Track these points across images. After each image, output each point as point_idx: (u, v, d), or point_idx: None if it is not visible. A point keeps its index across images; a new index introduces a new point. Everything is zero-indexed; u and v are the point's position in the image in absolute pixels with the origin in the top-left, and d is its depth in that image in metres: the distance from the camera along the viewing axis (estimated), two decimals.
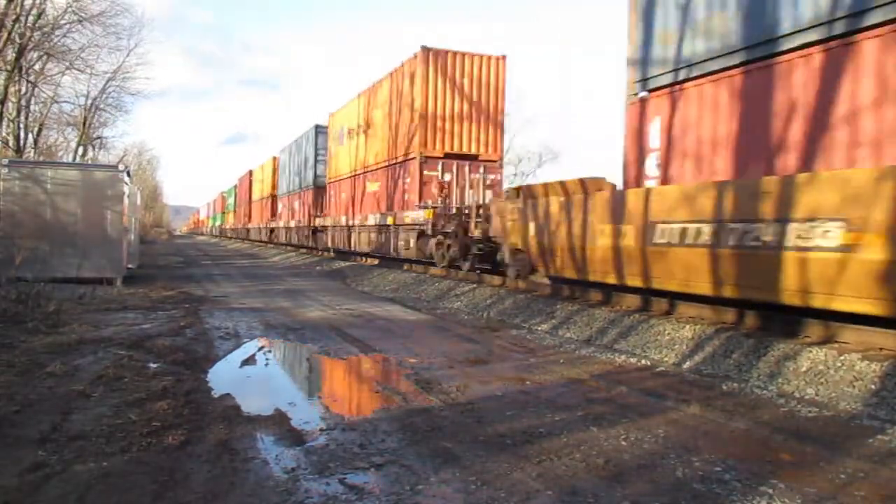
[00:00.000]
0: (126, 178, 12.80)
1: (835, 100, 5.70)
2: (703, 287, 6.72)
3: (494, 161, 16.04)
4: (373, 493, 3.04)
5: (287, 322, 8.44)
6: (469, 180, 15.62)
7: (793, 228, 5.60)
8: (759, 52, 6.48)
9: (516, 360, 6.22)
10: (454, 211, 13.85)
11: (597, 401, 4.76)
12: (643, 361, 6.23)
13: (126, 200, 12.84)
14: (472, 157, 15.74)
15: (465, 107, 15.53)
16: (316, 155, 25.58)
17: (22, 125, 24.53)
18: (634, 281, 7.81)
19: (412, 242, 15.19)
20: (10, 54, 19.60)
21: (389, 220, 16.55)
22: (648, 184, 7.84)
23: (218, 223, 67.59)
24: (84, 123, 29.59)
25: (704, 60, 7.12)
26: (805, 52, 5.98)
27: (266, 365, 6.04)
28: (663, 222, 7.09)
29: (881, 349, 5.33)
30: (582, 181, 8.99)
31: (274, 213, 34.54)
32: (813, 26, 5.87)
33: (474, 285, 11.78)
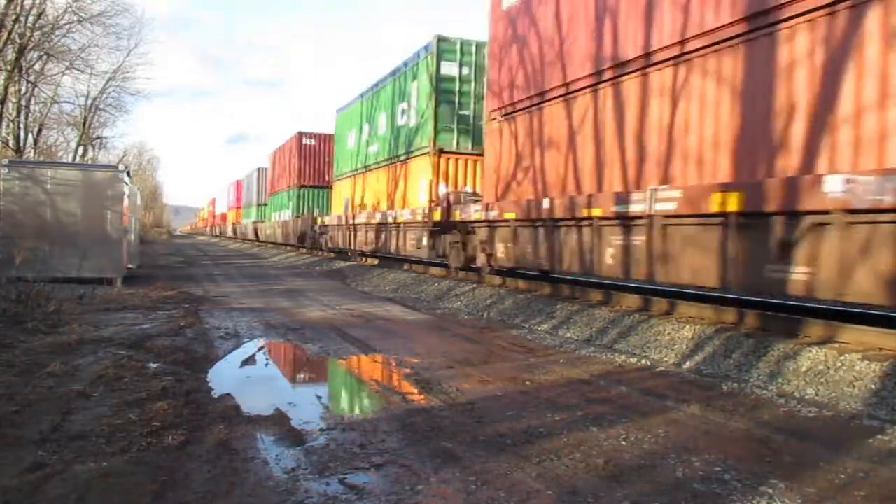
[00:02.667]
0: (126, 179, 12.79)
1: None
2: None
3: None
4: (373, 493, 3.04)
5: (287, 322, 8.44)
6: None
7: None
8: None
9: (516, 360, 6.22)
10: None
11: (597, 401, 4.76)
12: (643, 361, 6.23)
13: (126, 200, 12.84)
14: None
15: None
16: None
17: (22, 125, 24.54)
18: None
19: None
20: (10, 54, 19.60)
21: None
22: None
23: (277, 217, 31.01)
24: (84, 123, 29.60)
25: None
26: None
27: (266, 365, 6.04)
28: None
29: (881, 349, 5.33)
30: None
31: None
32: None
33: (474, 285, 11.77)
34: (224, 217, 58.60)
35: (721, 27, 6.39)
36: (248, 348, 6.67)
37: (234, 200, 50.91)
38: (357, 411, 4.72)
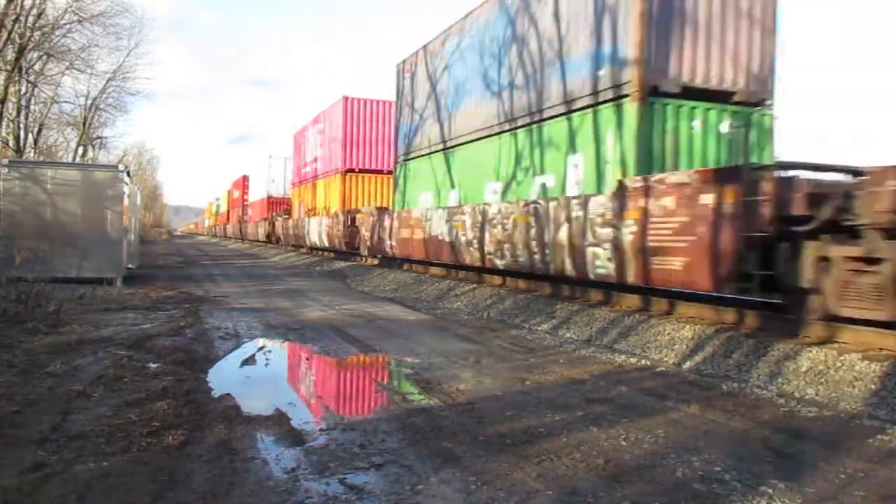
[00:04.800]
0: (126, 179, 12.80)
1: None
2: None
3: None
4: (373, 493, 3.04)
5: (287, 322, 8.44)
6: None
7: None
8: None
9: (516, 360, 6.22)
10: None
11: (597, 401, 4.76)
12: (643, 361, 6.23)
13: (126, 200, 12.84)
14: None
15: None
16: None
17: (22, 125, 24.56)
18: None
19: None
20: (10, 54, 19.61)
21: None
22: None
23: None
24: (84, 123, 29.62)
25: None
26: None
27: (266, 365, 6.04)
28: None
29: (881, 349, 5.33)
30: None
31: None
32: None
33: (474, 285, 11.78)
34: (267, 206, 32.86)
35: None
36: (248, 348, 6.67)
37: (314, 167, 26.12)
38: (357, 411, 4.72)
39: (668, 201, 7.00)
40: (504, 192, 11.81)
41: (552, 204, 9.17)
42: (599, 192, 8.74)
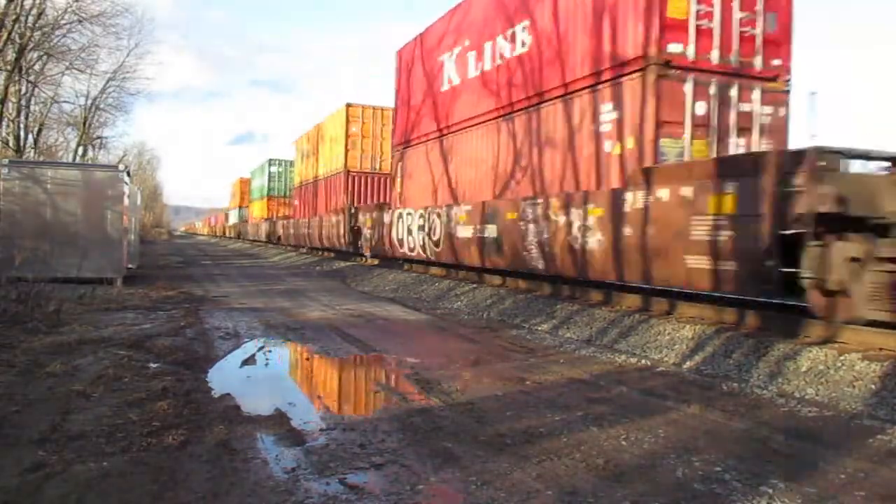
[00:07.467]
0: (126, 179, 12.79)
1: None
2: None
3: None
4: (373, 493, 3.04)
5: (287, 322, 8.44)
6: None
7: None
8: None
9: (516, 360, 6.22)
10: None
11: (597, 401, 4.76)
12: (643, 361, 6.23)
13: (126, 200, 12.84)
14: None
15: None
16: None
17: (22, 125, 24.53)
18: None
19: None
20: (10, 54, 19.61)
21: None
22: None
23: None
24: (84, 123, 29.59)
25: None
26: None
27: (266, 365, 6.04)
28: None
29: (881, 349, 5.33)
30: None
31: None
32: None
33: (474, 285, 11.78)
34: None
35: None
36: (248, 348, 6.67)
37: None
38: (357, 411, 4.72)
39: None
40: None
41: None
42: None
